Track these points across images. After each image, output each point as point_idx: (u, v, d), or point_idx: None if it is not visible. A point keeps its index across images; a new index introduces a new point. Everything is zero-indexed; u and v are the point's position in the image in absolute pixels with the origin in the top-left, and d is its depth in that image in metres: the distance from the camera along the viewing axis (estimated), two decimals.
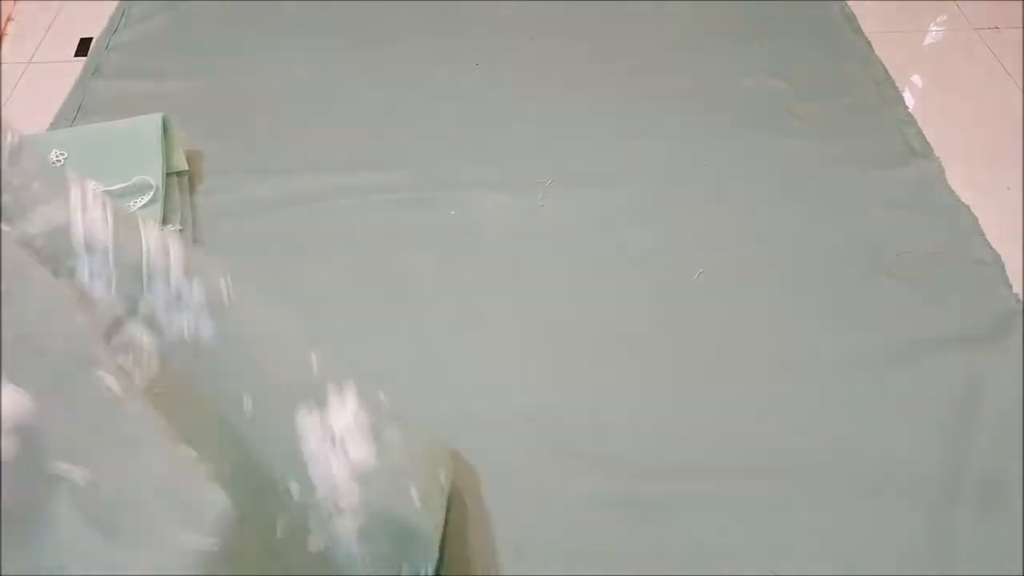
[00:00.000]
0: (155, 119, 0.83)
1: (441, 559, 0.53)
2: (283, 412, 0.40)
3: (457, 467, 0.61)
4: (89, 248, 0.32)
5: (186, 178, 0.85)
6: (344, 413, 0.42)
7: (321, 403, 0.42)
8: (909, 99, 0.96)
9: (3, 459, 0.24)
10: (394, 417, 0.48)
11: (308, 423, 0.41)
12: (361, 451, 0.43)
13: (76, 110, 0.95)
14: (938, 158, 0.87)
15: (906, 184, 0.85)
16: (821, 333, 0.72)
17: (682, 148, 0.89)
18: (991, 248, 0.78)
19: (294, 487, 0.41)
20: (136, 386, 0.31)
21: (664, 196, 0.84)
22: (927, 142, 0.89)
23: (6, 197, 0.29)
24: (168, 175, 0.81)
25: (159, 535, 0.28)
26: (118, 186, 0.77)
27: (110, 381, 0.28)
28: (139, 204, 0.76)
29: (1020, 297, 0.75)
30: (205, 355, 0.36)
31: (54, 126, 0.93)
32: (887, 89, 0.96)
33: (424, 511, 0.48)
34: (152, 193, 0.77)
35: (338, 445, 0.41)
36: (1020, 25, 1.07)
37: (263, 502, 0.40)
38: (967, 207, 0.82)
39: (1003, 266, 0.77)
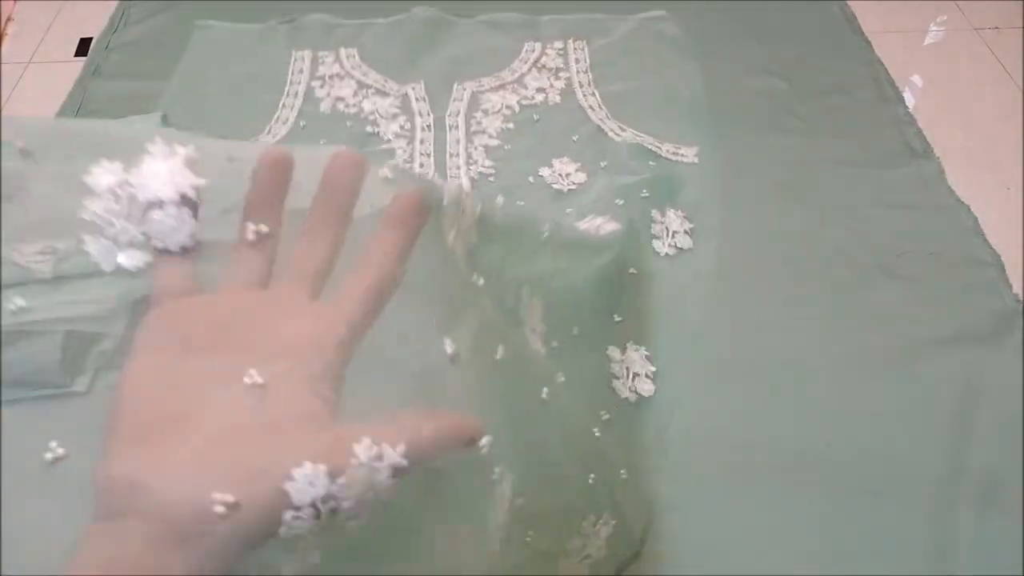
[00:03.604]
0: (154, 119, 0.83)
1: None
2: None
3: None
4: None
5: None
6: None
7: None
8: (909, 99, 0.96)
9: None
10: None
11: None
12: None
13: (76, 110, 0.95)
14: (938, 158, 0.87)
15: (906, 184, 0.85)
16: (820, 333, 0.72)
17: None
18: (991, 248, 0.78)
19: None
20: None
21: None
22: (927, 142, 0.89)
23: None
24: None
25: None
26: None
27: None
28: None
29: (1020, 297, 0.75)
30: None
31: None
32: (887, 89, 0.96)
33: None
34: None
35: None
36: (1020, 25, 1.07)
37: None
38: (967, 207, 0.82)
39: (1003, 266, 0.77)
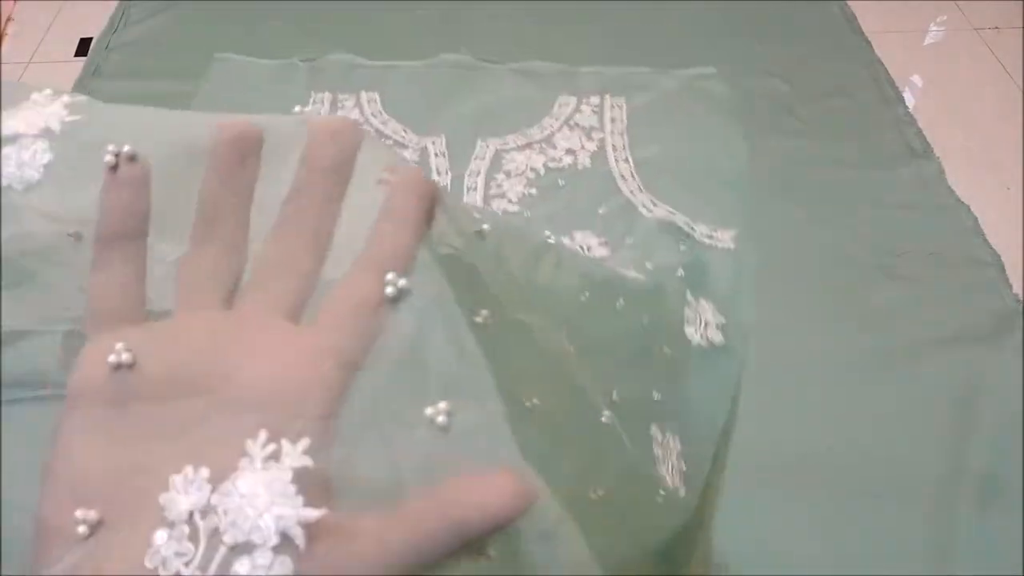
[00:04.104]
0: None
1: None
2: None
3: None
4: None
5: None
6: None
7: None
8: (909, 99, 0.96)
9: None
10: None
11: None
12: None
13: None
14: (938, 158, 0.87)
15: (906, 184, 0.85)
16: (820, 333, 0.72)
17: None
18: (991, 248, 0.78)
19: None
20: None
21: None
22: (927, 142, 0.89)
23: None
24: None
25: None
26: None
27: None
28: None
29: (1020, 297, 0.75)
30: None
31: None
32: (887, 89, 0.96)
33: None
34: None
35: None
36: (1020, 25, 1.07)
37: None
38: (967, 207, 0.82)
39: (1003, 266, 0.77)
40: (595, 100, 0.91)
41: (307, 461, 0.18)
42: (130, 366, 0.20)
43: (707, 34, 1.04)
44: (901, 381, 0.68)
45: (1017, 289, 0.75)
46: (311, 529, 0.18)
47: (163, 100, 0.93)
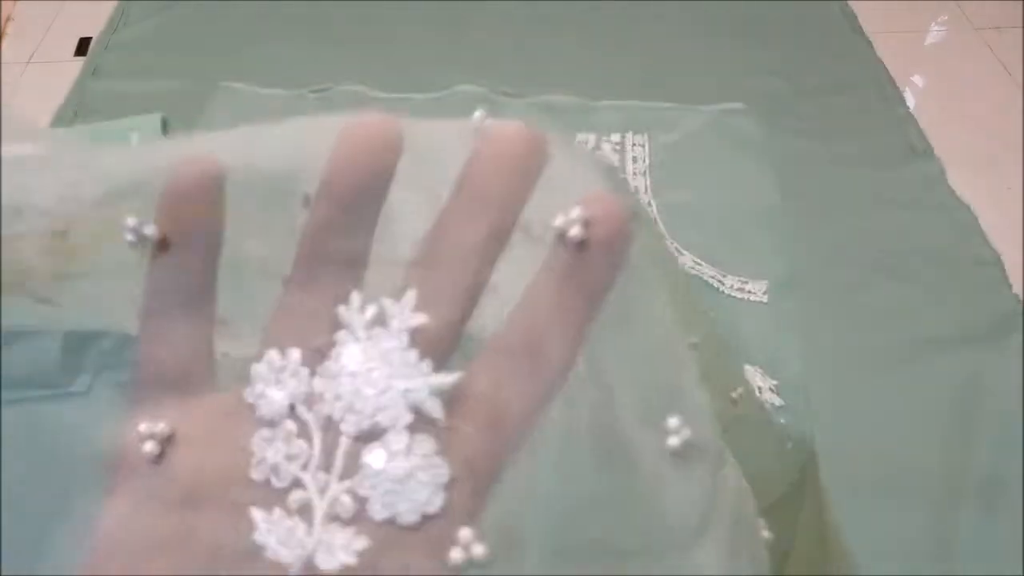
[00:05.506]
0: (153, 119, 0.83)
1: None
2: None
3: None
4: None
5: None
6: None
7: None
8: (910, 99, 0.96)
9: None
10: None
11: None
12: None
13: (74, 110, 0.95)
14: (939, 158, 0.87)
15: (907, 184, 0.85)
16: (820, 333, 0.72)
17: None
18: (991, 248, 0.78)
19: None
20: None
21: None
22: (928, 142, 0.89)
23: None
24: None
25: None
26: None
27: None
28: None
29: (1020, 297, 0.75)
30: None
31: (53, 126, 0.93)
32: (888, 89, 0.96)
33: None
34: None
35: None
36: (1020, 25, 1.07)
37: None
38: (967, 207, 0.82)
39: (1003, 266, 0.77)
40: (615, 137, 0.87)
41: (421, 318, 0.14)
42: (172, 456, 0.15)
43: (707, 33, 1.04)
44: (901, 381, 0.68)
45: (1017, 289, 0.75)
46: (449, 399, 0.14)
47: (162, 100, 0.93)
